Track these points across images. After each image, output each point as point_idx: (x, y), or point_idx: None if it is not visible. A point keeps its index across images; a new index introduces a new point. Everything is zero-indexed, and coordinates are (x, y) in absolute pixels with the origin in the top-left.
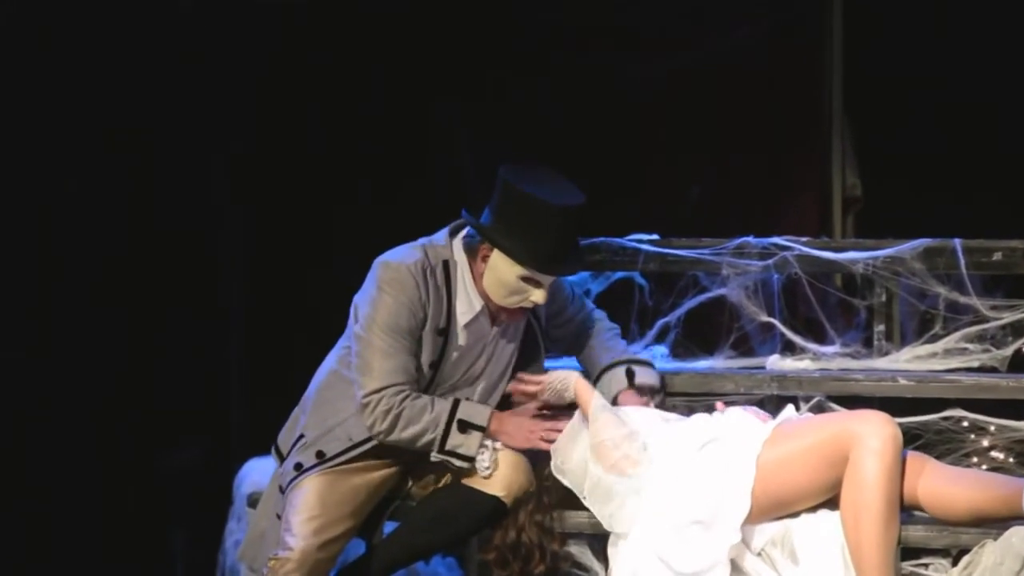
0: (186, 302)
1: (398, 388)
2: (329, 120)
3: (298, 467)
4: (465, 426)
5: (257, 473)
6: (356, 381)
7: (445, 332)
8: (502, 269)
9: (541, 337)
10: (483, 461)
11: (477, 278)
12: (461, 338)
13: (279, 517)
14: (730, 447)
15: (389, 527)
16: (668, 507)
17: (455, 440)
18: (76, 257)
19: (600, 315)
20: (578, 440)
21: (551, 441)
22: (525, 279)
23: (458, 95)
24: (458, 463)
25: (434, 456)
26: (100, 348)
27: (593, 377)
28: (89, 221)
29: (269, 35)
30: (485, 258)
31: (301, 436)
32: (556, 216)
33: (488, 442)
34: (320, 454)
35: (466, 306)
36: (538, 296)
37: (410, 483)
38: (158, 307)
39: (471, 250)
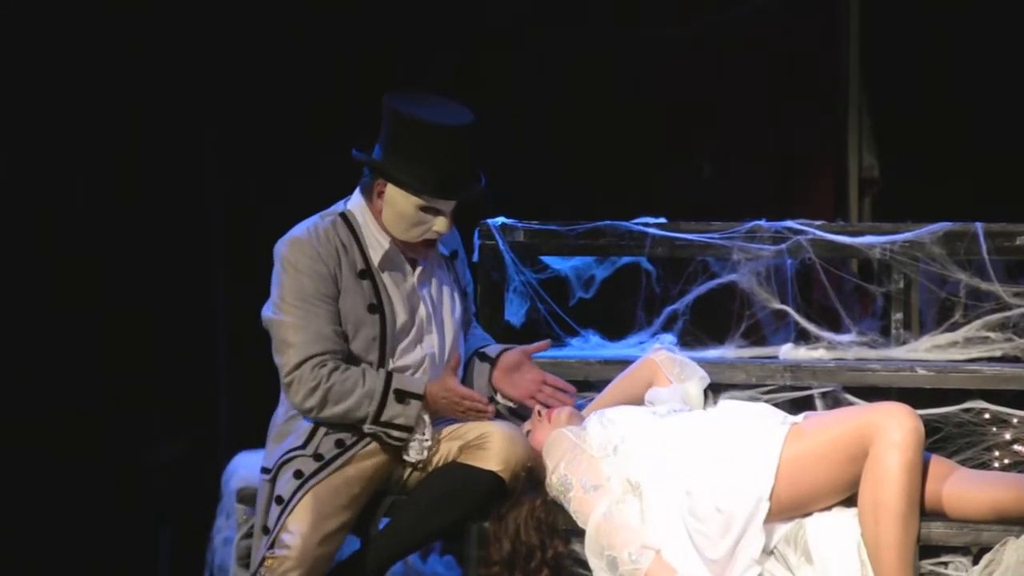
0: (172, 293)
1: (319, 360)
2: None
3: (299, 475)
4: (403, 395)
5: (245, 468)
6: (277, 364)
7: (369, 275)
8: (399, 201)
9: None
10: (422, 435)
11: (377, 216)
12: (387, 281)
13: (268, 513)
14: (751, 443)
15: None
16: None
17: (392, 411)
18: (54, 252)
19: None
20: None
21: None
22: (424, 208)
23: (454, 68)
24: (396, 435)
25: (367, 428)
26: (84, 341)
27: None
28: (80, 218)
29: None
30: (381, 194)
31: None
32: (444, 137)
33: (426, 416)
34: (318, 456)
35: (376, 245)
36: (440, 224)
37: (405, 469)
38: (143, 299)
39: (367, 190)
